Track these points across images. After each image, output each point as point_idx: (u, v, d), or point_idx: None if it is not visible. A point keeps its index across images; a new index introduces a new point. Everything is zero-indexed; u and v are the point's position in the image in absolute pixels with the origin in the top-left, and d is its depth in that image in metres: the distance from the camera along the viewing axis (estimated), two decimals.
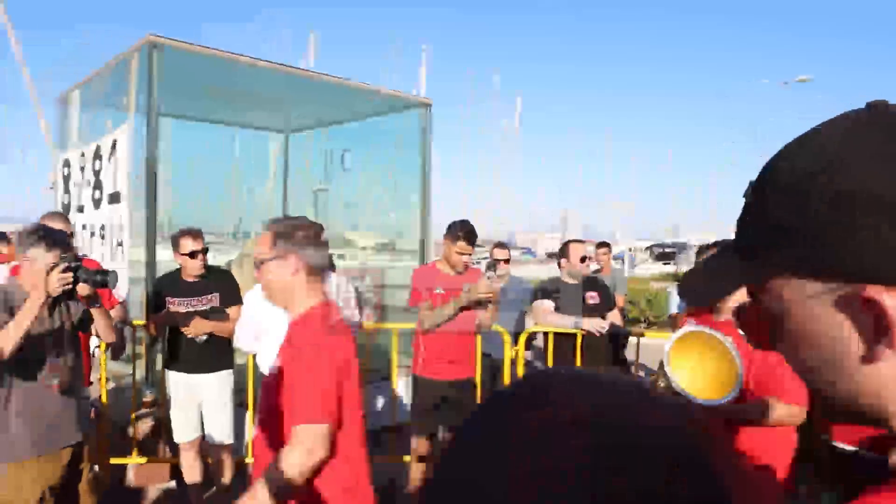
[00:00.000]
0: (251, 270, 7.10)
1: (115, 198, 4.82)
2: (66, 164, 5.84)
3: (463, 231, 3.91)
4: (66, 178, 5.81)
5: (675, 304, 5.42)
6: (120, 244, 4.76)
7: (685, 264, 28.29)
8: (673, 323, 5.26)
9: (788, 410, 2.33)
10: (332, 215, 7.39)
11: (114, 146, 4.82)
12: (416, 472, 4.17)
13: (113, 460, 4.51)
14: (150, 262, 4.63)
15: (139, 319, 4.33)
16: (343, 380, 1.88)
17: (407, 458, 4.28)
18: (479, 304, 3.86)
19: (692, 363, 2.32)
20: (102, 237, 5.03)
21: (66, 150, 6.17)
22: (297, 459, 1.73)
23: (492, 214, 40.06)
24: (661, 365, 2.34)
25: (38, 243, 2.69)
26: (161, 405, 4.40)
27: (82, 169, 5.42)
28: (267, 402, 1.95)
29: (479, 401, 4.10)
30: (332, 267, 3.59)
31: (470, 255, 3.95)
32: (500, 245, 5.60)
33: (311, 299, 1.95)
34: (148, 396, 4.75)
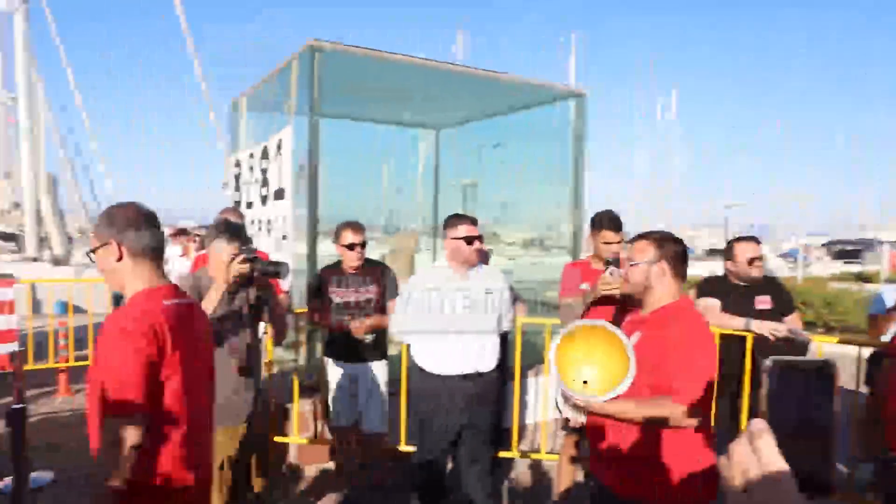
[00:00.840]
0: (404, 264, 7.31)
1: (279, 194, 5.13)
2: (237, 164, 6.34)
3: (604, 219, 3.70)
4: (237, 178, 6.30)
5: (884, 302, 4.39)
6: (284, 237, 5.06)
7: (873, 263, 25.25)
8: (874, 325, 4.39)
9: (680, 411, 2.15)
10: (480, 210, 7.42)
11: (279, 146, 5.14)
12: (566, 473, 4.03)
13: (277, 439, 4.82)
14: (311, 255, 4.89)
15: (301, 308, 4.58)
16: (162, 367, 1.83)
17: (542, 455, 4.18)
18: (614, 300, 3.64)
19: (587, 357, 2.24)
20: (269, 231, 5.39)
21: (236, 151, 6.71)
22: (105, 456, 1.71)
23: (642, 209, 38.38)
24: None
25: (220, 236, 2.98)
26: (320, 390, 4.63)
27: (251, 168, 5.84)
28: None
29: None
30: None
31: (618, 243, 3.67)
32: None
33: (137, 284, 1.92)
34: (308, 381, 5.01)
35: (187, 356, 1.94)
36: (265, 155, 5.44)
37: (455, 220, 3.70)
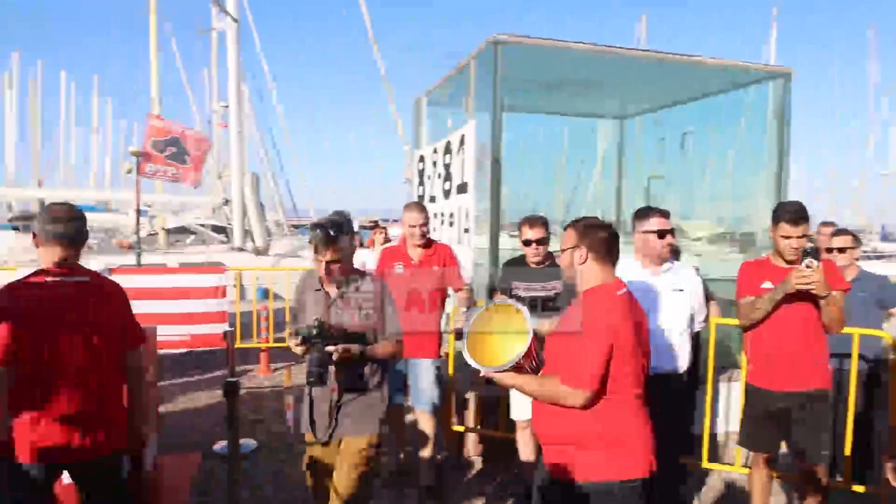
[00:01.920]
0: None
1: (462, 188, 5.23)
2: (421, 159, 6.57)
3: (781, 211, 3.31)
4: (421, 173, 6.53)
5: None
6: (466, 230, 5.15)
7: None
8: None
9: (563, 390, 2.31)
10: (665, 203, 7.04)
11: (462, 141, 5.23)
12: (759, 490, 3.67)
13: (455, 428, 4.93)
14: (493, 248, 4.93)
15: (482, 301, 4.63)
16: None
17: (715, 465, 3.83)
18: (808, 297, 3.22)
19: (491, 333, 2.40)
20: (451, 224, 5.52)
21: (419, 147, 6.96)
22: None
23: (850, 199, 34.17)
24: None
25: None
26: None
27: (434, 163, 6.02)
28: None
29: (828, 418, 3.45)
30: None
31: (800, 238, 3.26)
32: (828, 224, 4.57)
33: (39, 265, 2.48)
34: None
35: (39, 332, 2.45)
36: (448, 150, 5.57)
37: (646, 212, 3.53)
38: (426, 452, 4.43)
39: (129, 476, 3.62)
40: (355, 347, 2.82)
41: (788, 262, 3.35)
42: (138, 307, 6.26)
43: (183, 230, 16.83)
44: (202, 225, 16.16)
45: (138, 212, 8.66)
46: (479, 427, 4.94)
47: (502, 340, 2.37)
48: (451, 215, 5.52)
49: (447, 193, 5.62)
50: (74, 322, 2.56)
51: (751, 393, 3.56)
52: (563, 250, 2.56)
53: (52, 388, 2.52)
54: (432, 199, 6.03)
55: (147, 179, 9.20)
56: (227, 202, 14.06)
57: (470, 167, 5.06)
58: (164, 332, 5.32)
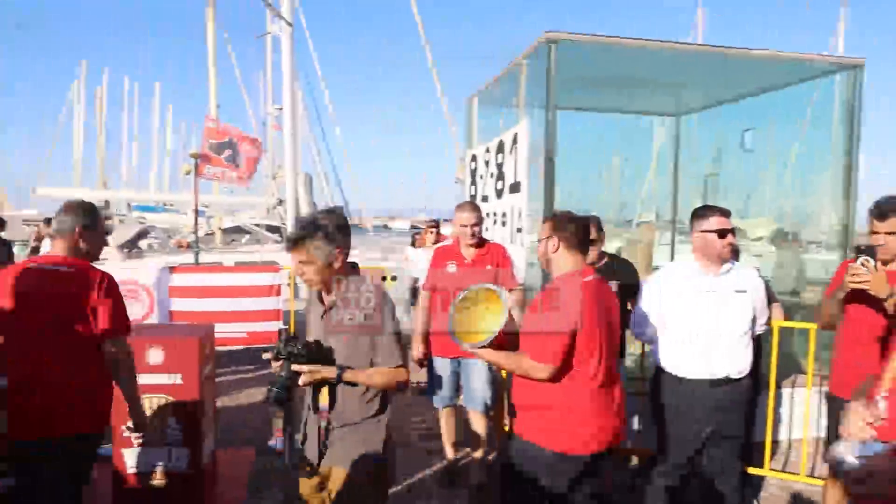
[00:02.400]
0: (642, 258, 7.00)
1: (514, 187, 5.19)
2: (473, 159, 6.55)
3: (873, 206, 3.12)
4: (473, 172, 6.51)
5: None
6: (519, 230, 5.11)
7: None
8: None
9: (529, 364, 2.64)
10: (722, 202, 6.83)
11: (514, 140, 5.19)
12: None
13: (508, 429, 4.88)
14: None
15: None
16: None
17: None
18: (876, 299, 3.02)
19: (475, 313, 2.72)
20: (503, 223, 5.48)
21: (472, 147, 6.93)
22: None
23: None
24: None
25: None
26: None
27: (486, 163, 5.99)
28: None
29: None
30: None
31: (888, 234, 3.04)
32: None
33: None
34: None
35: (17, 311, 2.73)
36: (500, 149, 5.54)
37: (705, 211, 3.42)
38: (478, 453, 4.43)
39: (188, 468, 3.72)
40: (328, 371, 2.47)
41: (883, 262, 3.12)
42: (197, 304, 6.45)
43: (238, 230, 17.23)
44: (257, 225, 16.51)
45: (196, 212, 8.91)
46: None
47: (483, 320, 2.70)
48: (504, 215, 5.48)
49: (499, 193, 5.58)
50: (35, 306, 2.76)
51: (829, 402, 3.42)
52: (539, 240, 2.89)
53: (12, 365, 2.76)
54: (484, 199, 6.00)
55: (204, 181, 9.46)
56: (281, 202, 14.32)
57: (523, 166, 5.01)
58: (222, 329, 5.45)
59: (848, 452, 1.92)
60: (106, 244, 3.25)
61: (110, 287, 2.87)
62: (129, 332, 2.98)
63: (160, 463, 3.68)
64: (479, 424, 4.38)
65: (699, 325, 3.29)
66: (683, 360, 3.32)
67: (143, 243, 14.00)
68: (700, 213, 3.42)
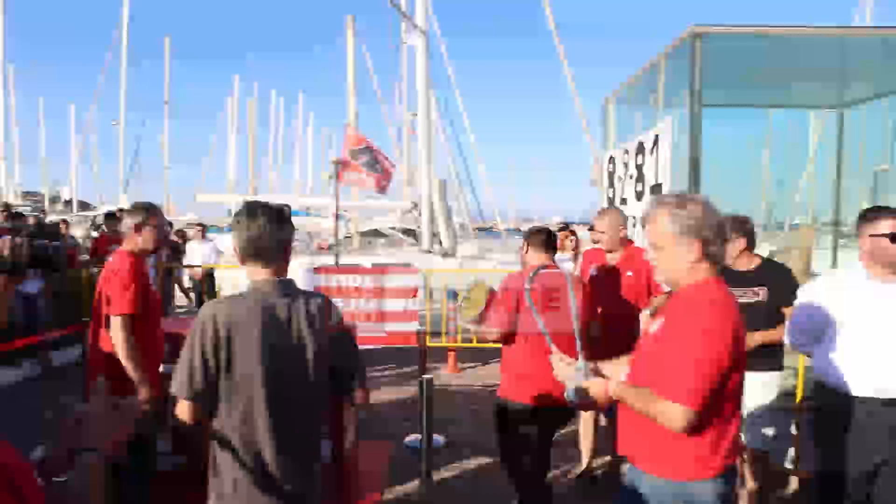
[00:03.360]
0: (799, 264, 6.50)
1: (656, 189, 4.99)
2: (611, 161, 6.38)
3: None
4: (611, 174, 6.34)
5: None
6: None
7: None
8: None
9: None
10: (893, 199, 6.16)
11: (656, 140, 4.99)
12: None
13: None
14: None
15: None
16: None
17: None
18: None
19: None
20: (644, 227, 5.28)
21: (609, 148, 6.76)
22: None
23: None
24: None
25: None
26: None
27: (625, 164, 5.81)
28: None
29: None
30: None
31: None
32: None
33: None
34: None
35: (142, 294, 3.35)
36: (640, 150, 5.35)
37: (876, 213, 3.10)
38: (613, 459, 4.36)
39: (331, 460, 3.90)
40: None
41: None
42: (340, 304, 6.76)
43: (375, 233, 17.94)
44: (392, 228, 17.10)
45: (336, 216, 9.34)
46: None
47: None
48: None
49: (639, 195, 5.40)
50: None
51: None
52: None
53: None
54: (623, 202, 5.82)
55: (343, 185, 9.91)
56: (415, 206, 14.73)
57: (665, 167, 4.82)
58: (363, 329, 5.68)
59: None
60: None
61: (115, 272, 3.49)
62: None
63: None
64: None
65: (870, 337, 2.99)
66: (852, 376, 3.03)
67: None
68: (870, 215, 3.11)
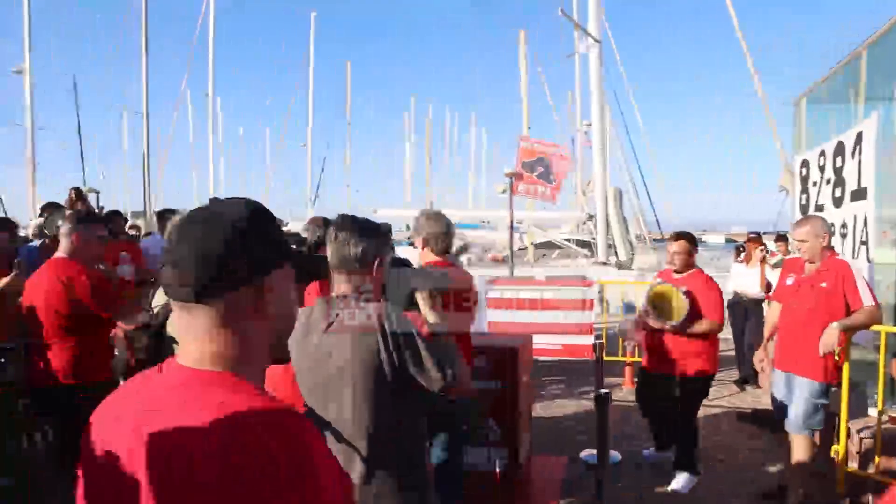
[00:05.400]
0: None
1: (858, 194, 4.53)
2: (804, 164, 5.88)
3: None
4: (805, 179, 5.84)
5: None
6: (864, 243, 4.45)
7: None
8: None
9: (711, 325, 4.36)
10: None
11: (858, 139, 4.54)
12: None
13: (849, 470, 4.27)
14: None
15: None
16: None
17: None
18: None
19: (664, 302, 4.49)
20: (843, 235, 4.82)
21: (801, 152, 6.24)
22: None
23: None
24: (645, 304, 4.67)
25: None
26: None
27: (821, 168, 5.33)
28: None
29: None
30: None
31: None
32: None
33: None
34: None
35: None
36: (839, 151, 4.89)
37: None
38: (794, 480, 4.08)
39: (507, 468, 4.02)
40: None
41: None
42: (512, 316, 6.92)
43: (549, 245, 17.92)
44: (567, 240, 16.99)
45: (511, 228, 9.52)
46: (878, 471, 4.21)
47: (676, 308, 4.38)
48: (843, 226, 4.82)
49: (838, 201, 4.93)
50: None
51: None
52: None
53: None
54: (819, 208, 5.34)
55: (518, 197, 10.07)
56: (591, 217, 14.54)
57: (869, 169, 4.36)
58: (538, 341, 5.75)
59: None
60: None
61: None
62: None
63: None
64: (798, 450, 3.97)
65: None
66: None
67: (463, 258, 15.43)
68: None
